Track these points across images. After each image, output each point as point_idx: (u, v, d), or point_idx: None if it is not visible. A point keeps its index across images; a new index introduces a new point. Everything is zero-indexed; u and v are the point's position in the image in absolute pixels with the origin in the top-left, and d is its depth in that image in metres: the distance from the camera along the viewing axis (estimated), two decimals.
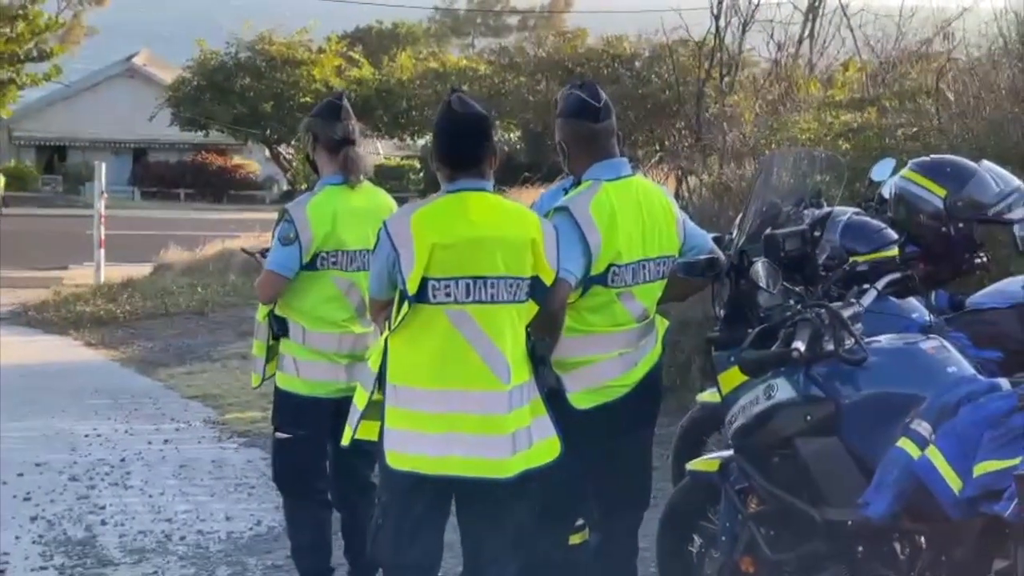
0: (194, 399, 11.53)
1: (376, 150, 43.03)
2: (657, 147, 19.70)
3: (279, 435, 5.95)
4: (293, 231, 5.69)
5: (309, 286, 5.77)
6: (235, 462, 9.06)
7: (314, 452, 5.89)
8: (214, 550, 7.04)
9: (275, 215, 6.02)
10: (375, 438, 4.65)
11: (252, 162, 50.15)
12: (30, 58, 38.85)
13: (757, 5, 15.22)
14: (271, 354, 5.89)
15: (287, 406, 5.88)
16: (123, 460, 9.08)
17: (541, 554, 4.98)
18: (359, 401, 4.76)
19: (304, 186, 29.67)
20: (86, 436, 9.84)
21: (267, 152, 46.76)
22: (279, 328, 5.83)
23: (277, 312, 5.84)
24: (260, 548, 7.04)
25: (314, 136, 5.88)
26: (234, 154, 50.34)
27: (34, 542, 7.18)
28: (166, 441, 9.71)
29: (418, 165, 41.51)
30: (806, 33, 16.23)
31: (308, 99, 38.15)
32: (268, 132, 42.69)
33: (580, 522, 5.20)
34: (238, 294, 17.27)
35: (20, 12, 37.76)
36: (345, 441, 4.83)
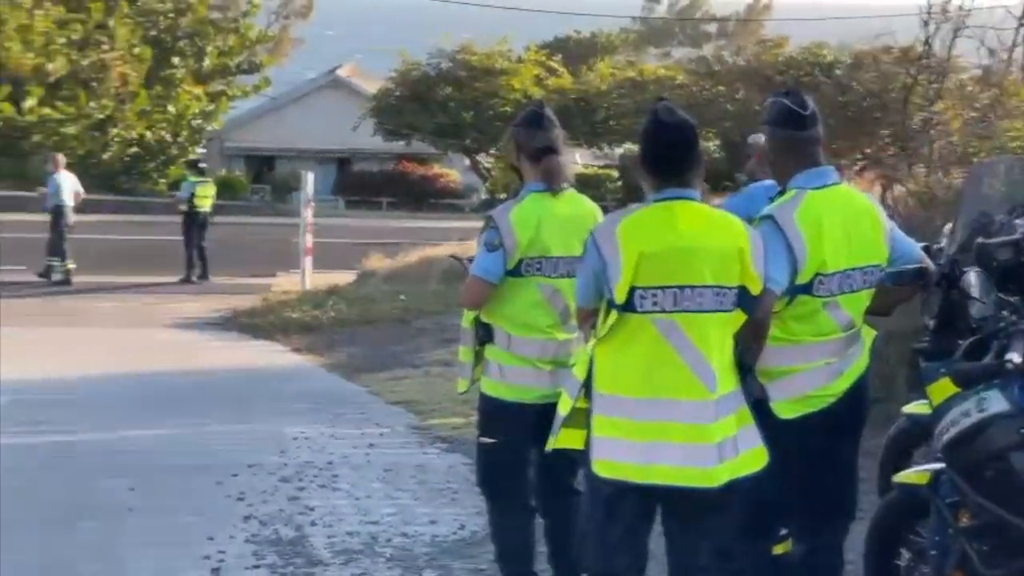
0: (397, 404, 11.73)
1: (574, 159, 43.09)
2: (859, 155, 19.37)
3: (484, 440, 6.03)
4: (498, 237, 5.76)
5: (514, 292, 5.83)
6: (438, 467, 9.20)
7: (518, 458, 5.94)
8: (419, 553, 7.16)
9: (474, 224, 6.10)
10: (578, 445, 4.69)
11: (452, 171, 50.69)
12: (241, 70, 40.21)
13: (969, 11, 14.83)
14: (477, 359, 5.98)
15: (492, 411, 5.95)
16: (330, 463, 9.29)
17: (745, 564, 4.96)
18: (563, 408, 4.80)
19: (504, 195, 29.90)
20: (294, 439, 10.08)
21: (467, 161, 47.21)
22: (485, 334, 5.91)
23: (483, 318, 5.92)
24: (465, 552, 7.13)
25: (517, 144, 5.95)
26: (434, 163, 50.96)
27: (247, 541, 7.38)
28: (371, 445, 9.90)
29: (616, 174, 41.41)
30: (1019, 38, 15.77)
31: (507, 108, 38.38)
32: (468, 141, 43.10)
33: (784, 532, 5.18)
34: (439, 301, 17.45)
35: (233, 26, 39.10)
36: (548, 447, 4.89)
